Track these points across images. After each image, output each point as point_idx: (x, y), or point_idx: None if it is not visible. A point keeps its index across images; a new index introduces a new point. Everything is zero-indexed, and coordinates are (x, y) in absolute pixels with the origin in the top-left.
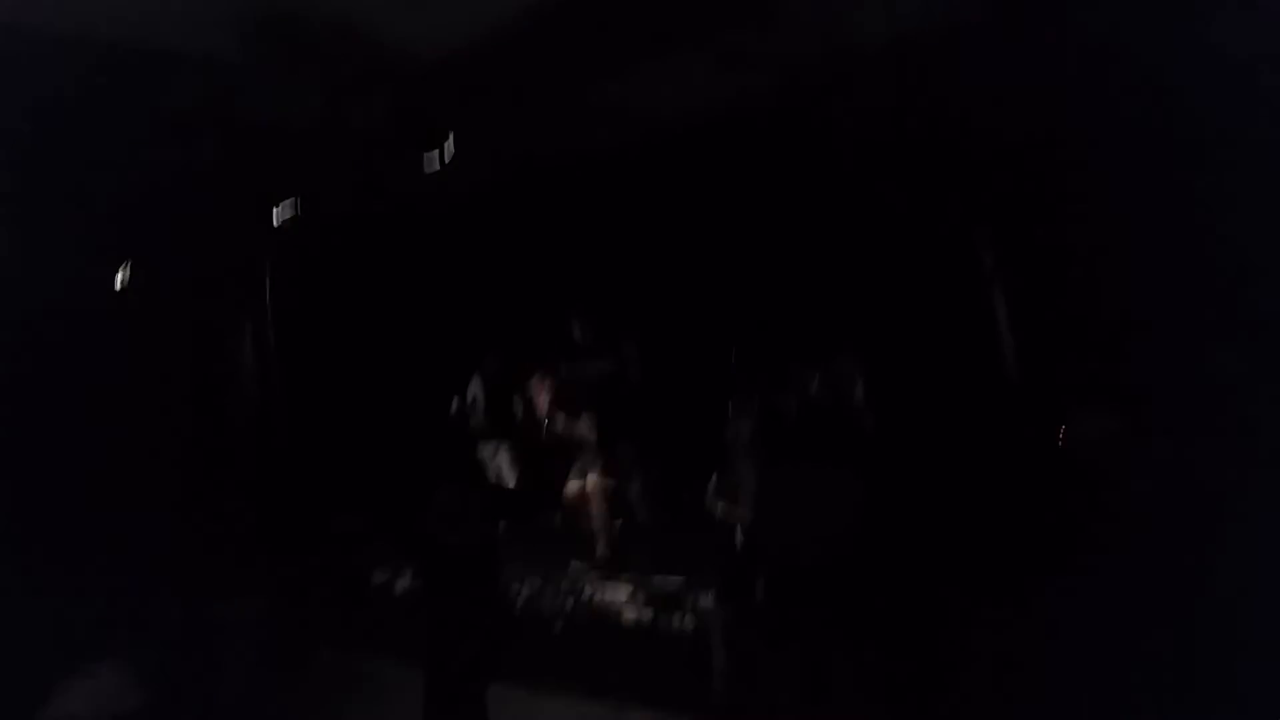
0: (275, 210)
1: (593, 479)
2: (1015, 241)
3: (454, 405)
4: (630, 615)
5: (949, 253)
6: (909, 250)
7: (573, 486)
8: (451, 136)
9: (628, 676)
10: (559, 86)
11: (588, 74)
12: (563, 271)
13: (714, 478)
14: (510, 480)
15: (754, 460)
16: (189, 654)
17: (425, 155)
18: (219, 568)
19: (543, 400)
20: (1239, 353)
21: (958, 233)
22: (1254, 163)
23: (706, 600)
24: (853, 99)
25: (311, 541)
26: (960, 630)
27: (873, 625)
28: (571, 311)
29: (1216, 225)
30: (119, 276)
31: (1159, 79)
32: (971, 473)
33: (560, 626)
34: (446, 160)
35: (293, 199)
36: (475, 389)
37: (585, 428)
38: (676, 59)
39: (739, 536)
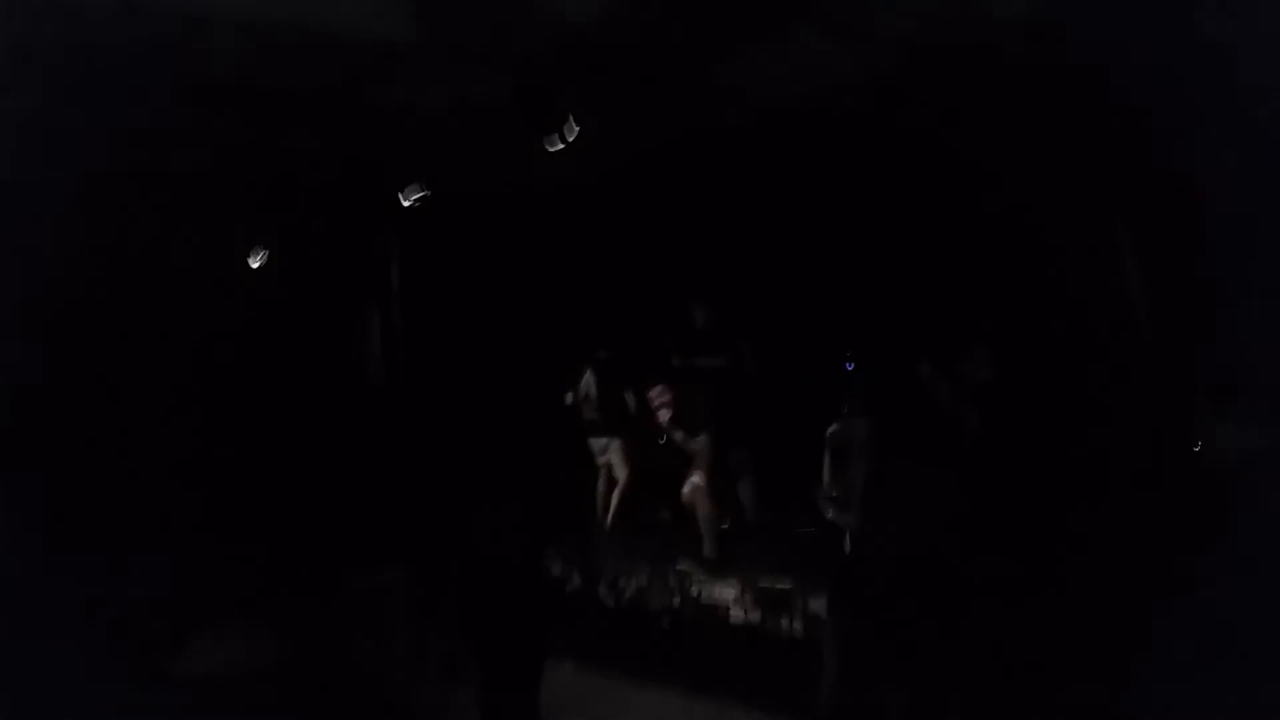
0: (401, 194)
1: (700, 478)
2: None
3: (568, 399)
4: (737, 615)
5: (1075, 251)
6: (1036, 249)
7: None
8: (571, 119)
9: (732, 676)
10: (680, 68)
11: (708, 55)
12: (679, 262)
13: (825, 479)
14: (621, 476)
15: (865, 463)
16: (322, 616)
17: (546, 138)
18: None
19: (658, 396)
20: None
21: (1087, 234)
22: None
23: (816, 604)
24: (980, 84)
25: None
26: (1078, 641)
27: (984, 633)
28: (687, 305)
29: None
30: (255, 259)
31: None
32: (1092, 479)
33: (667, 622)
34: (568, 141)
35: (419, 183)
36: (588, 383)
37: (699, 425)
38: (798, 41)
39: (848, 541)
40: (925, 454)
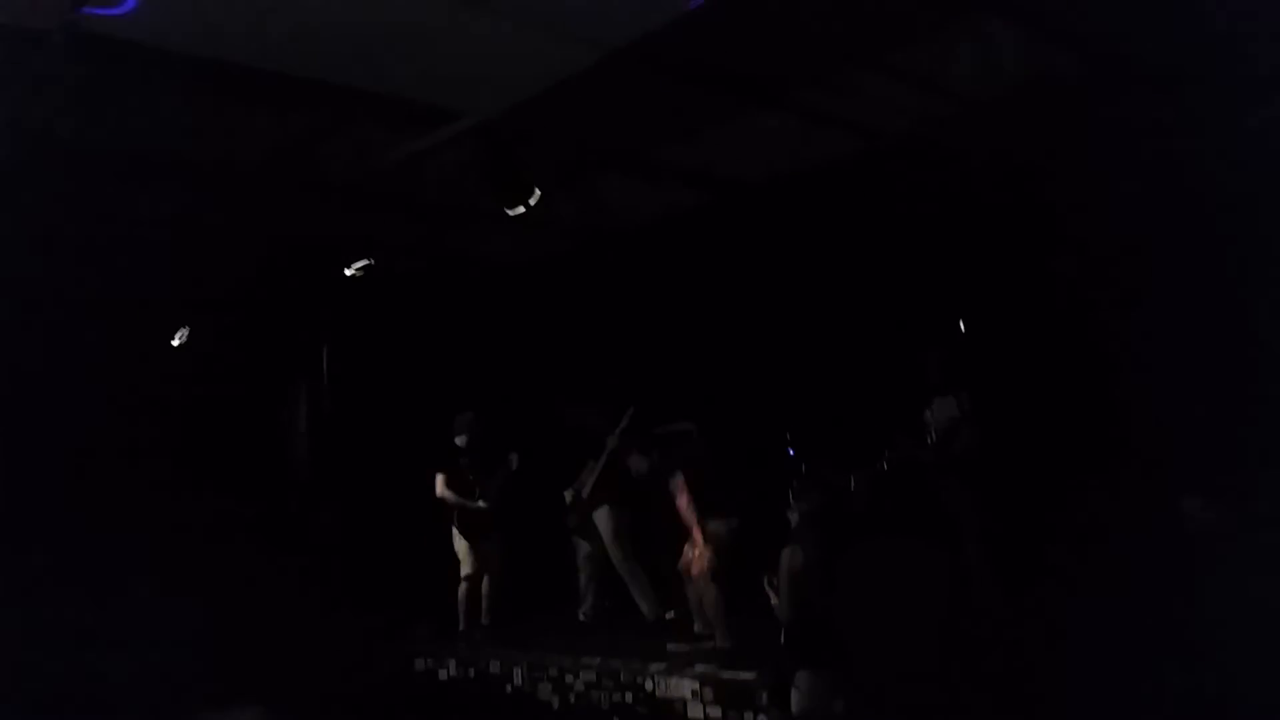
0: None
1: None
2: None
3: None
4: (696, 713)
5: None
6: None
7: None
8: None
9: None
10: (626, 147)
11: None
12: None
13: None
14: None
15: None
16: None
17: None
18: None
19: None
20: None
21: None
22: None
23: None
24: (923, 166)
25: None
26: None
27: None
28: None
29: None
30: (179, 337)
31: None
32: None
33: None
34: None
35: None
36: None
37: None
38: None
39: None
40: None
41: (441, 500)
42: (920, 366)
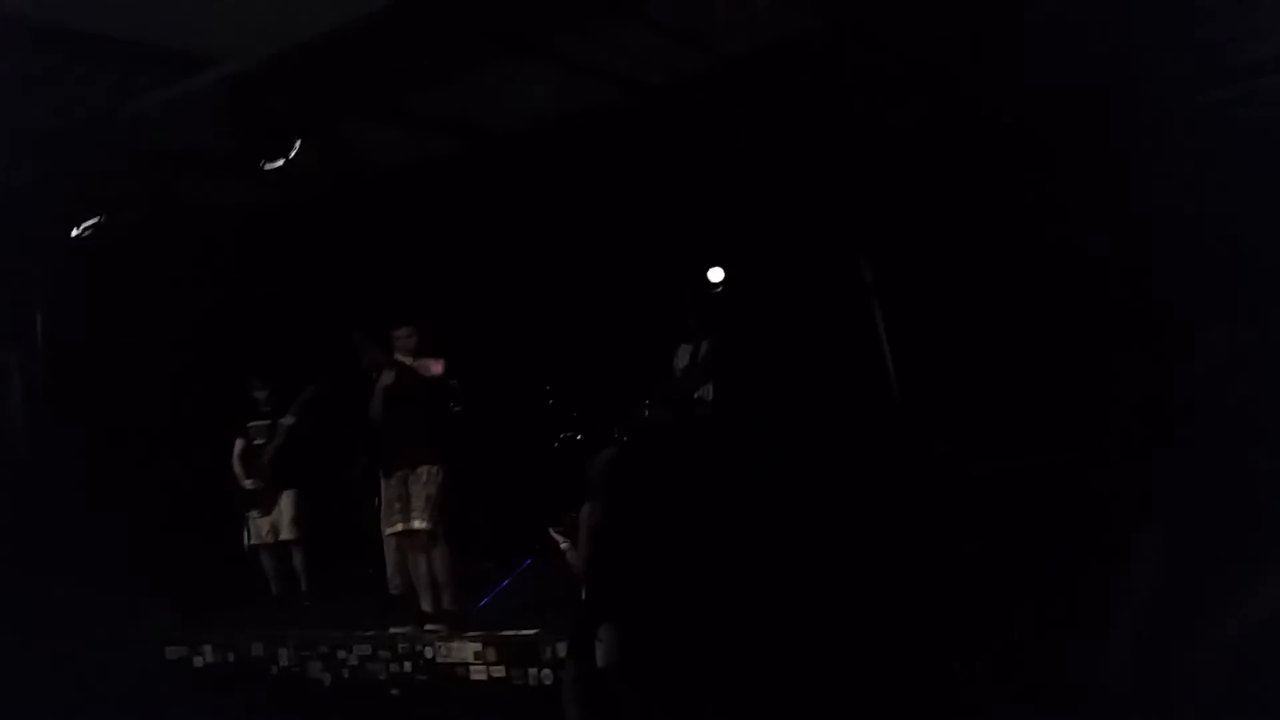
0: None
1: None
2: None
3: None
4: (480, 673)
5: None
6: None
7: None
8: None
9: None
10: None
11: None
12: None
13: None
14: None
15: (594, 498)
16: None
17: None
18: None
19: None
20: None
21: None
22: None
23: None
24: (684, 114)
25: None
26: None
27: (736, 673)
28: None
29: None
30: None
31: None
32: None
33: (401, 689)
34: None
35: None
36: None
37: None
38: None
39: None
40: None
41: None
42: (672, 313)
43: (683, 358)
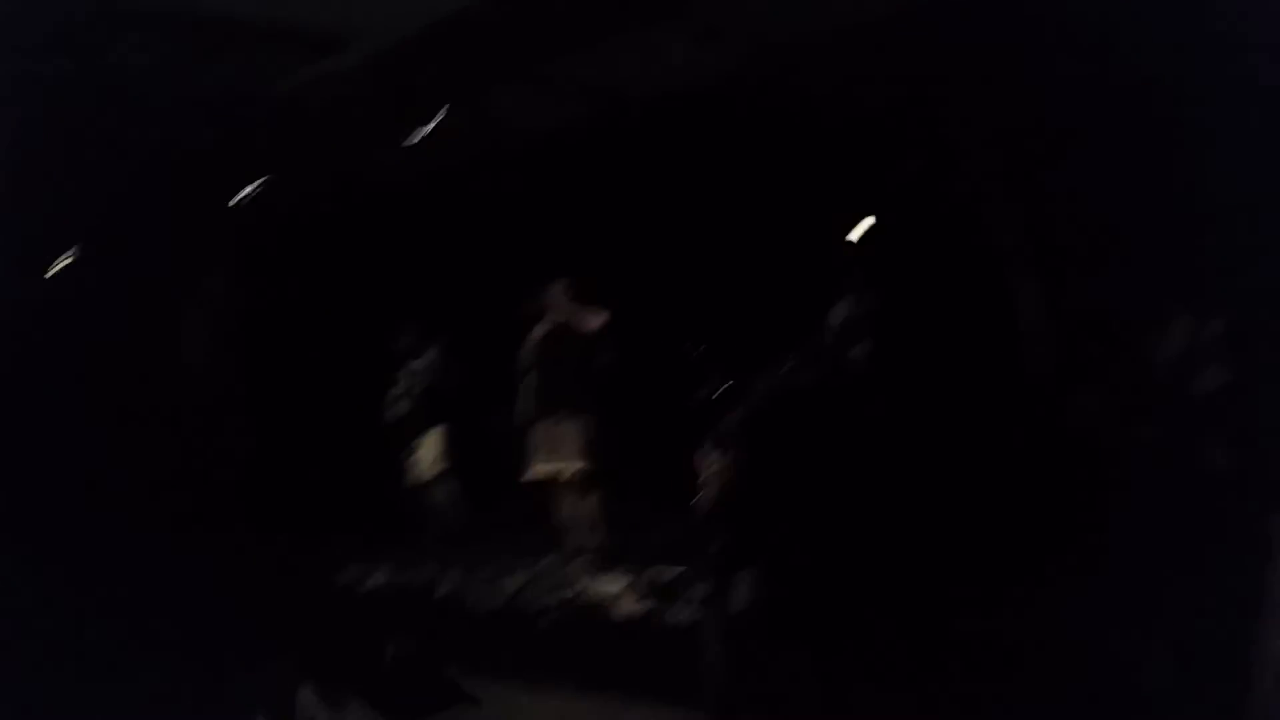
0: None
1: (572, 466)
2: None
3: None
4: (627, 609)
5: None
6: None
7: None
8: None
9: (622, 672)
10: (526, 62)
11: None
12: (529, 248)
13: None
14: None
15: (735, 447)
16: None
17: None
18: None
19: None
20: None
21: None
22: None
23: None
24: (826, 76)
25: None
26: (963, 626)
27: (870, 619)
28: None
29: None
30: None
31: None
32: (965, 460)
33: (550, 621)
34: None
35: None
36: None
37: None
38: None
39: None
40: (790, 438)
41: None
42: (825, 271)
43: (837, 315)
